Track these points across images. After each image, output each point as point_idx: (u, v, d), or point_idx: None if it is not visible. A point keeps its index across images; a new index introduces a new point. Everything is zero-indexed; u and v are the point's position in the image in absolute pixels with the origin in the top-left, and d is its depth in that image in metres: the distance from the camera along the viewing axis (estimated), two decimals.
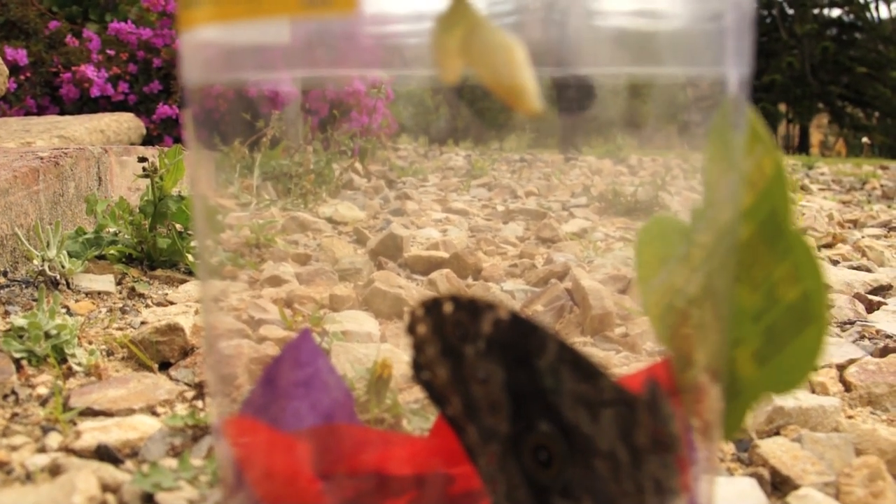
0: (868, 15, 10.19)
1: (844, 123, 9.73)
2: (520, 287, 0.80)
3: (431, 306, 0.28)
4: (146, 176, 0.70)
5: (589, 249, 1.00)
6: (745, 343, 0.28)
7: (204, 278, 0.34)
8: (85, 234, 0.74)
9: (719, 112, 0.27)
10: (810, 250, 0.26)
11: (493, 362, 0.27)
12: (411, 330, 0.29)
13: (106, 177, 0.93)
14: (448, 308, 0.28)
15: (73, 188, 0.82)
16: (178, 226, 0.75)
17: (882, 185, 2.45)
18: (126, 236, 0.76)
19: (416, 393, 0.51)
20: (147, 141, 1.85)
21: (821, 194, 2.21)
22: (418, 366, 0.29)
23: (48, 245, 0.67)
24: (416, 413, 0.46)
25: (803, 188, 2.28)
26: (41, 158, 0.77)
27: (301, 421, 0.32)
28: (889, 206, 1.95)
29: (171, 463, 0.41)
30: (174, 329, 0.56)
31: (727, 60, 0.25)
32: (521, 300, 0.75)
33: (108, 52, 1.96)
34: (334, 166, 1.45)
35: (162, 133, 1.97)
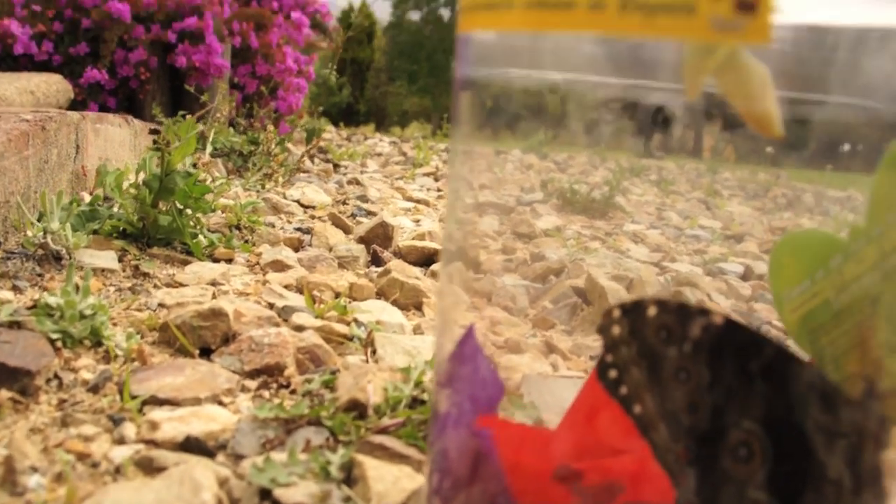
0: None
1: None
2: (519, 282, 0.80)
3: (631, 309, 0.29)
4: (157, 149, 0.67)
5: (570, 247, 1.02)
6: None
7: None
8: (79, 205, 0.71)
9: (894, 142, 0.28)
10: None
11: (698, 364, 0.28)
12: (604, 331, 0.30)
13: (83, 144, 0.88)
14: (652, 311, 0.28)
15: (56, 155, 0.78)
16: (178, 204, 0.72)
17: None
18: (121, 211, 0.73)
19: None
20: (72, 106, 1.76)
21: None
22: (606, 365, 0.30)
23: (51, 215, 0.64)
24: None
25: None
26: (27, 121, 0.72)
27: (463, 415, 0.32)
28: None
29: (278, 458, 0.40)
30: (218, 314, 0.54)
31: None
32: (524, 295, 0.75)
33: (34, 7, 1.85)
34: (289, 146, 1.42)
35: (87, 98, 1.88)
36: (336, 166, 1.71)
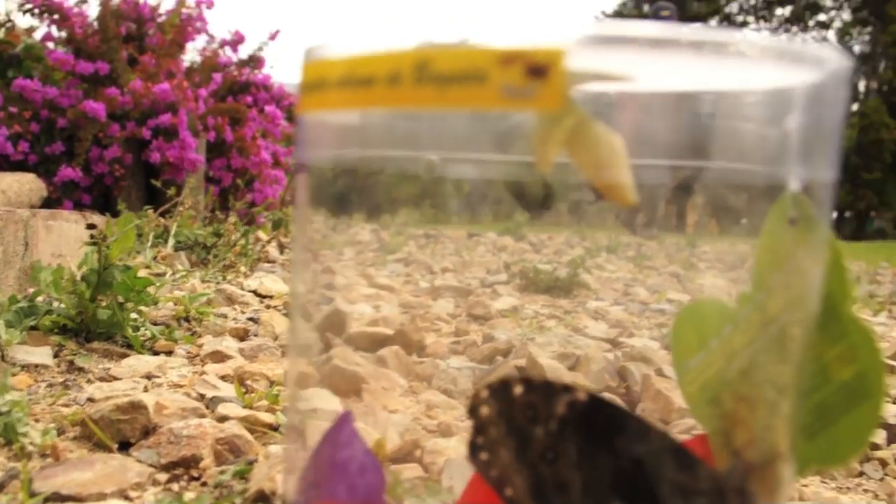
0: None
1: None
2: (465, 364, 0.80)
3: (498, 388, 0.28)
4: (94, 244, 0.67)
5: (525, 327, 1.02)
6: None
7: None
8: (17, 302, 0.70)
9: (775, 206, 0.28)
10: (868, 332, 0.27)
11: (565, 442, 0.27)
12: (473, 412, 0.29)
13: (32, 241, 0.88)
14: (518, 390, 0.28)
15: (2, 252, 0.77)
16: (119, 297, 0.72)
17: None
18: (62, 306, 0.72)
19: (403, 472, 0.50)
20: (46, 204, 1.77)
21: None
22: (477, 447, 0.29)
23: None
24: (409, 493, 0.45)
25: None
26: None
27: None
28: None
29: None
30: (137, 407, 0.53)
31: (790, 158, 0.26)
32: (468, 377, 0.75)
33: (11, 109, 1.88)
34: (251, 238, 1.42)
35: (62, 196, 1.89)
36: (314, 255, 1.70)
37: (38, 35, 2.13)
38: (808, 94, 0.24)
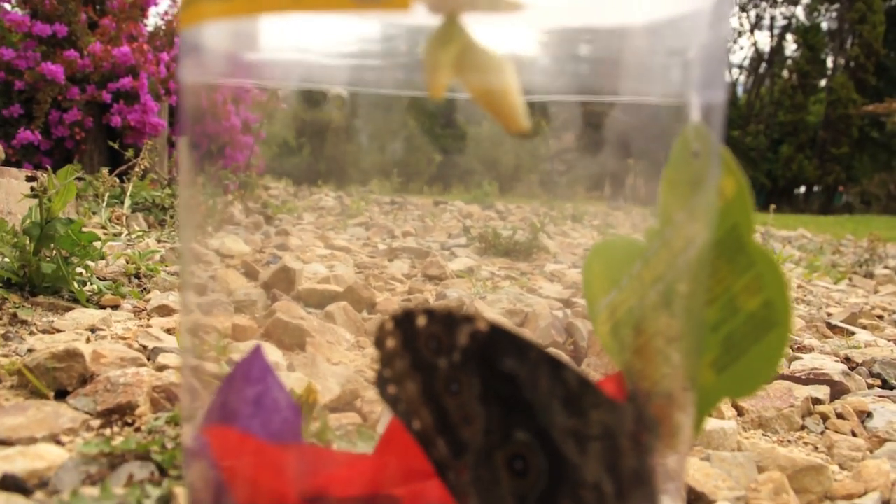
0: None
1: None
2: None
3: (403, 319, 0.28)
4: (34, 196, 0.66)
5: (478, 286, 1.02)
6: (703, 352, 0.29)
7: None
8: None
9: (679, 138, 0.28)
10: (773, 262, 0.27)
11: (468, 374, 0.27)
12: (379, 344, 0.29)
13: None
14: (422, 321, 0.28)
15: None
16: (63, 251, 0.71)
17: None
18: (6, 260, 0.71)
19: (339, 419, 0.51)
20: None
21: None
22: (384, 380, 0.29)
23: None
24: (342, 438, 0.45)
25: None
26: None
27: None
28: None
29: (90, 493, 0.38)
30: (73, 355, 0.53)
31: (690, 87, 0.27)
32: None
33: None
34: (216, 200, 1.41)
35: (21, 159, 1.86)
36: (269, 219, 1.70)
37: None
38: (706, 17, 0.24)
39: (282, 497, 0.29)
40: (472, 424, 0.28)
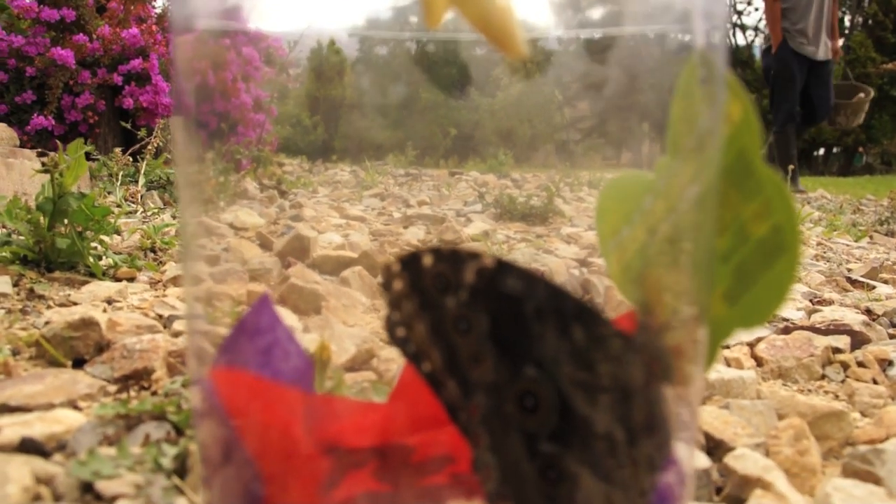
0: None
1: None
2: None
3: (409, 260, 0.28)
4: (46, 171, 0.66)
5: (493, 249, 1.02)
6: (715, 284, 0.28)
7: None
8: None
9: (686, 67, 0.28)
10: (781, 185, 0.27)
11: (476, 312, 0.27)
12: (387, 286, 0.29)
13: None
14: (428, 261, 0.28)
15: None
16: (77, 226, 0.71)
17: None
18: (21, 237, 0.72)
19: (355, 378, 0.51)
20: None
21: None
22: (393, 323, 0.29)
23: None
24: (357, 394, 0.45)
25: None
26: None
27: None
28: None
29: (107, 453, 0.39)
30: (88, 323, 0.53)
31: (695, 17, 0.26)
32: None
33: None
34: (229, 177, 1.41)
35: (35, 145, 1.87)
36: (284, 193, 1.71)
37: None
38: None
39: (293, 444, 0.29)
40: (482, 363, 0.27)
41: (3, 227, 0.77)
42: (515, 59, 0.24)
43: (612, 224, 0.33)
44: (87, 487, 0.35)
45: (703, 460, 0.42)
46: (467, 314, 0.27)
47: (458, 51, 0.31)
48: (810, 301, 0.86)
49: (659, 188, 0.30)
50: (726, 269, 0.28)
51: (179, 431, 0.41)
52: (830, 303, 0.86)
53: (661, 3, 0.27)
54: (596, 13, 0.28)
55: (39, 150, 0.74)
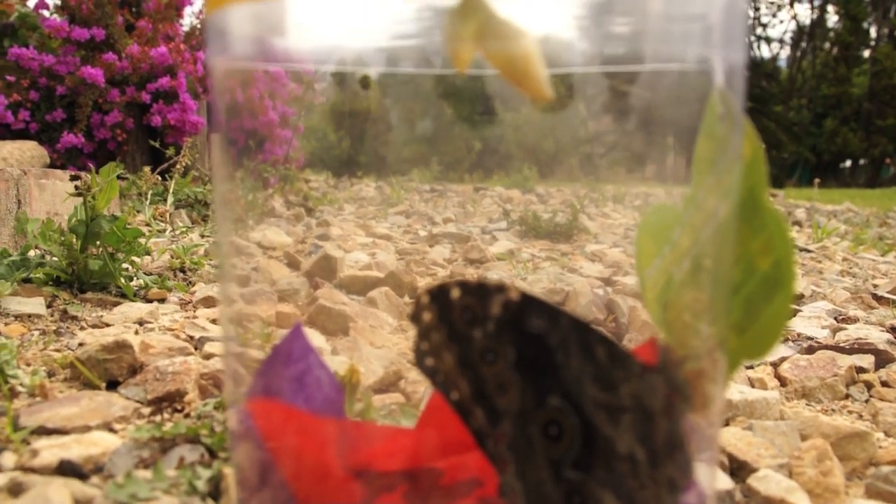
0: (751, 53, 10.84)
1: None
2: None
3: (437, 293, 0.29)
4: (79, 194, 0.68)
5: (518, 268, 1.03)
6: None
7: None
8: (10, 256, 0.71)
9: (709, 102, 0.28)
10: (781, 222, 0.28)
11: (502, 343, 0.28)
12: (416, 318, 0.30)
13: (25, 199, 0.89)
14: (455, 294, 0.28)
15: None
16: (109, 247, 0.73)
17: None
18: (54, 258, 0.74)
19: (383, 400, 0.52)
20: None
21: None
22: (422, 354, 0.30)
23: None
24: (386, 417, 0.46)
25: None
26: None
27: None
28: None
29: (143, 475, 0.40)
30: (122, 346, 0.54)
31: (713, 50, 0.27)
32: None
33: (8, 78, 1.89)
34: (257, 195, 1.43)
35: (66, 163, 1.91)
36: (311, 210, 1.72)
37: (31, 3, 2.13)
38: None
39: (327, 468, 0.30)
40: (508, 392, 0.28)
41: (37, 248, 0.79)
42: (539, 101, 0.25)
43: (648, 256, 0.34)
44: None
45: (726, 481, 0.42)
46: (493, 345, 0.28)
47: (481, 78, 0.32)
48: (835, 319, 0.86)
49: (684, 221, 0.31)
50: (737, 300, 0.29)
51: (213, 454, 0.42)
52: (855, 320, 0.86)
53: (681, 36, 0.28)
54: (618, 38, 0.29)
55: (72, 172, 0.76)
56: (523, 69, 0.24)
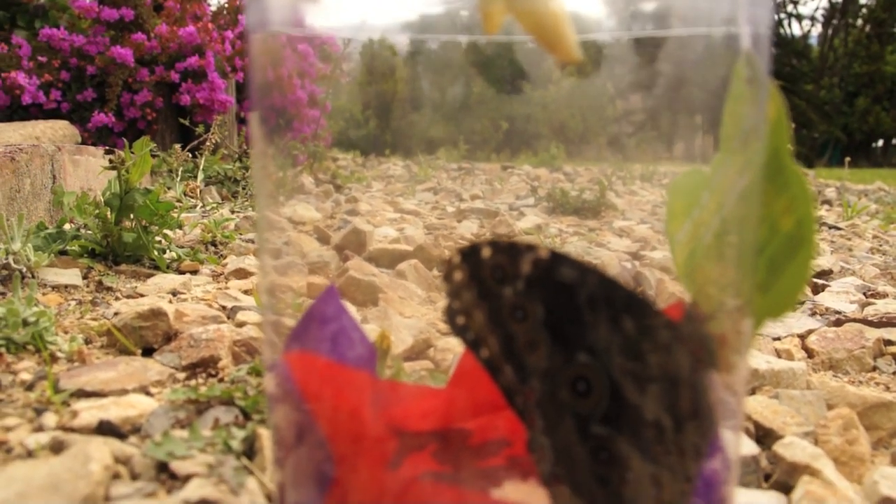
0: (781, 31, 10.69)
1: None
2: None
3: (468, 252, 0.30)
4: (113, 168, 0.69)
5: (546, 242, 1.03)
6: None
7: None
8: (46, 228, 0.73)
9: (735, 67, 0.29)
10: (804, 182, 0.28)
11: (532, 301, 0.28)
12: (447, 277, 0.30)
13: (60, 175, 0.91)
14: (486, 252, 0.29)
15: (29, 185, 0.80)
16: (142, 220, 0.74)
17: None
18: (89, 231, 0.75)
19: (412, 367, 0.52)
20: None
21: None
22: (453, 312, 0.31)
23: (12, 238, 0.66)
24: (416, 382, 0.47)
25: None
26: None
27: None
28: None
29: (179, 435, 0.41)
30: (157, 314, 0.55)
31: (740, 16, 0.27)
32: None
33: (40, 58, 1.91)
34: (286, 172, 1.45)
35: (96, 142, 1.93)
36: (339, 188, 1.74)
37: None
38: None
39: (364, 425, 0.31)
40: (537, 349, 0.29)
41: (73, 221, 0.81)
42: (568, 63, 0.25)
43: (679, 220, 0.34)
44: (162, 467, 0.38)
45: (752, 447, 0.43)
46: (523, 303, 0.29)
47: (511, 45, 0.32)
48: (864, 294, 0.86)
49: (712, 184, 0.31)
50: (761, 260, 0.29)
51: (247, 416, 0.43)
52: (884, 296, 0.85)
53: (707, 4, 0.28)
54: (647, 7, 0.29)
55: (105, 147, 0.77)
56: (553, 28, 0.25)
